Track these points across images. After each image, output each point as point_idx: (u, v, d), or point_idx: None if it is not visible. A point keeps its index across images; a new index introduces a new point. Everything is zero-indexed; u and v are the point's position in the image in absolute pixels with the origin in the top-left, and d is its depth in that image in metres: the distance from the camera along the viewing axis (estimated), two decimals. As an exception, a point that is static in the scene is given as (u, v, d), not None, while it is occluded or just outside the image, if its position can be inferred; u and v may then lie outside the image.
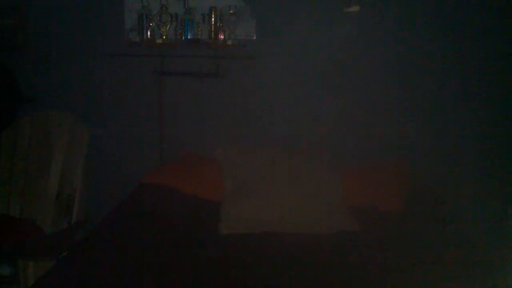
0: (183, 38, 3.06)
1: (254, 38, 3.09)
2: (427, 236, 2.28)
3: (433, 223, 2.43)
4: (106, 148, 3.23)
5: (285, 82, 3.10)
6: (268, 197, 2.50)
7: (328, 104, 3.08)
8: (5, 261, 2.66)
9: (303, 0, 3.04)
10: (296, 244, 2.22)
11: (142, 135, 3.26)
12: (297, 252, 2.14)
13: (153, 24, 3.05)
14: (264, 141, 3.09)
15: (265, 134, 3.11)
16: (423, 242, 2.23)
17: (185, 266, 1.99)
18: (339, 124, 3.08)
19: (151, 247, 2.16)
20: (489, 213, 2.93)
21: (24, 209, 2.83)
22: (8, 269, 2.67)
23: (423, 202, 2.69)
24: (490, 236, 2.68)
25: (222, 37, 3.04)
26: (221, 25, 3.03)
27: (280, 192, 2.52)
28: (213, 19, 3.02)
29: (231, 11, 3.01)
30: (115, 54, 3.15)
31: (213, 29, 3.03)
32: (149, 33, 3.05)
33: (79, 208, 2.81)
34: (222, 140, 3.11)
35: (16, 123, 2.96)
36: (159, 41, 3.06)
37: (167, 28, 3.06)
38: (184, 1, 3.06)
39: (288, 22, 3.06)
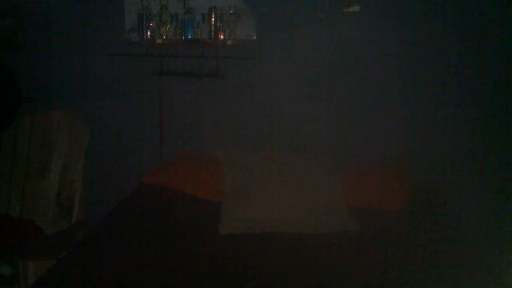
0: (183, 38, 3.06)
1: (254, 38, 3.09)
2: (427, 236, 2.28)
3: (433, 223, 2.43)
4: (106, 148, 3.23)
5: (285, 82, 3.10)
6: (268, 197, 2.50)
7: (328, 103, 3.08)
8: (5, 261, 2.66)
9: (303, 0, 3.04)
10: (296, 244, 2.22)
11: (142, 135, 3.26)
12: (297, 252, 2.14)
13: (153, 24, 3.05)
14: (264, 141, 3.09)
15: (265, 134, 3.11)
16: (423, 242, 2.23)
17: (185, 266, 1.99)
18: (339, 124, 3.08)
19: (151, 247, 2.16)
20: (489, 213, 2.93)
21: (24, 209, 2.84)
22: (8, 269, 2.67)
23: (423, 202, 2.69)
24: (490, 236, 2.68)
25: (222, 37, 3.03)
26: (221, 25, 3.02)
27: (280, 192, 2.52)
28: (213, 19, 3.02)
29: (231, 11, 3.00)
30: (115, 54, 3.15)
31: (213, 29, 3.03)
32: (149, 33, 3.05)
33: (79, 208, 2.81)
34: (221, 140, 3.11)
35: (16, 123, 2.96)
36: (159, 41, 3.06)
37: (167, 28, 3.06)
38: (184, 1, 3.06)
39: (288, 22, 3.06)
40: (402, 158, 2.94)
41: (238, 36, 3.05)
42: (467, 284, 1.88)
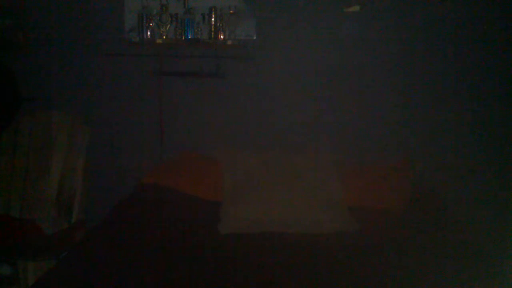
0: (183, 38, 3.06)
1: (254, 38, 3.08)
2: (427, 236, 2.28)
3: (432, 222, 2.43)
4: (106, 148, 3.23)
5: (285, 82, 3.10)
6: (268, 197, 2.50)
7: (328, 104, 3.08)
8: (5, 261, 2.66)
9: (303, 0, 3.04)
10: (296, 244, 2.22)
11: (142, 135, 3.26)
12: (297, 252, 2.14)
13: (153, 24, 3.05)
14: (264, 141, 3.09)
15: (265, 134, 3.11)
16: (423, 242, 2.23)
17: (185, 266, 1.99)
18: (339, 124, 3.08)
19: (151, 247, 2.16)
20: (489, 212, 2.93)
21: (24, 209, 2.84)
22: (8, 269, 2.67)
23: (423, 202, 2.69)
24: (491, 236, 2.68)
25: (222, 37, 3.04)
26: (221, 25, 3.03)
27: (280, 192, 2.52)
28: (213, 19, 3.02)
29: (231, 11, 3.01)
30: (115, 54, 3.14)
31: (213, 29, 3.03)
32: (149, 33, 3.05)
33: (79, 208, 2.81)
34: (222, 140, 3.11)
35: (16, 123, 2.96)
36: (159, 41, 3.06)
37: (167, 28, 3.06)
38: (184, 1, 3.06)
39: (288, 22, 3.06)
40: (402, 158, 2.94)
41: (238, 36, 3.05)
42: (467, 284, 1.88)
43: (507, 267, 1.94)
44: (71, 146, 2.88)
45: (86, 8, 3.17)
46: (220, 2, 3.01)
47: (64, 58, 3.23)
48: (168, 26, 3.05)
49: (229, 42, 3.03)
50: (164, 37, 3.06)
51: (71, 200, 2.81)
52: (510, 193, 2.90)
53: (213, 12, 3.01)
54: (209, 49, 3.11)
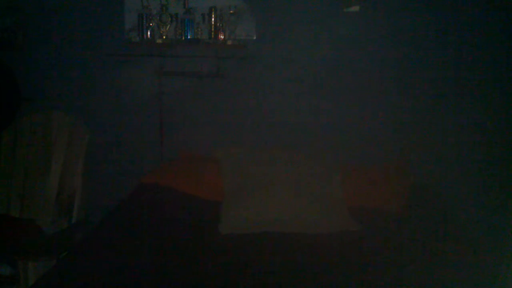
0: (183, 38, 3.06)
1: (254, 38, 3.09)
2: (427, 236, 2.28)
3: (432, 222, 2.43)
4: (106, 148, 3.23)
5: (285, 82, 3.10)
6: (268, 197, 2.50)
7: (328, 103, 3.08)
8: (5, 261, 2.66)
9: (303, 0, 3.04)
10: (296, 244, 2.22)
11: (142, 135, 3.26)
12: (297, 252, 2.14)
13: (153, 24, 3.06)
14: (264, 141, 3.09)
15: (265, 134, 3.11)
16: (423, 242, 2.23)
17: (185, 266, 1.99)
18: (339, 123, 3.08)
19: (151, 247, 2.16)
20: (489, 212, 2.93)
21: (24, 209, 2.84)
22: (8, 269, 2.67)
23: (423, 202, 2.69)
24: (490, 236, 2.68)
25: (222, 37, 3.04)
26: (221, 25, 3.03)
27: (280, 192, 2.52)
28: (213, 19, 3.03)
29: (231, 11, 3.01)
30: (115, 54, 3.14)
31: (213, 29, 3.04)
32: (149, 33, 3.06)
33: (79, 208, 2.81)
34: (222, 140, 3.11)
35: (16, 123, 2.96)
36: (159, 41, 3.06)
37: (167, 28, 3.06)
38: (184, 1, 3.06)
39: (288, 22, 3.06)
40: (402, 158, 2.93)
41: (238, 36, 3.05)
42: (467, 284, 1.88)
43: (507, 266, 1.94)
44: (71, 146, 2.88)
45: (86, 8, 3.17)
46: (220, 2, 3.01)
47: (64, 58, 3.23)
48: (168, 26, 3.06)
49: (229, 42, 3.03)
50: (164, 37, 3.06)
51: (71, 200, 2.81)
52: (510, 193, 2.90)
53: (213, 12, 3.02)
54: (209, 49, 3.10)
